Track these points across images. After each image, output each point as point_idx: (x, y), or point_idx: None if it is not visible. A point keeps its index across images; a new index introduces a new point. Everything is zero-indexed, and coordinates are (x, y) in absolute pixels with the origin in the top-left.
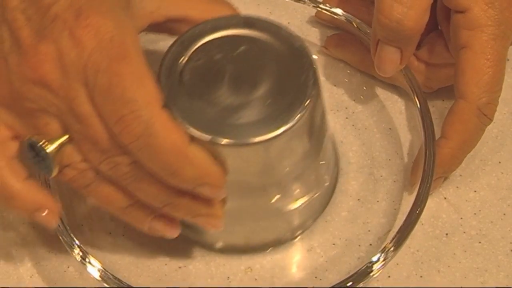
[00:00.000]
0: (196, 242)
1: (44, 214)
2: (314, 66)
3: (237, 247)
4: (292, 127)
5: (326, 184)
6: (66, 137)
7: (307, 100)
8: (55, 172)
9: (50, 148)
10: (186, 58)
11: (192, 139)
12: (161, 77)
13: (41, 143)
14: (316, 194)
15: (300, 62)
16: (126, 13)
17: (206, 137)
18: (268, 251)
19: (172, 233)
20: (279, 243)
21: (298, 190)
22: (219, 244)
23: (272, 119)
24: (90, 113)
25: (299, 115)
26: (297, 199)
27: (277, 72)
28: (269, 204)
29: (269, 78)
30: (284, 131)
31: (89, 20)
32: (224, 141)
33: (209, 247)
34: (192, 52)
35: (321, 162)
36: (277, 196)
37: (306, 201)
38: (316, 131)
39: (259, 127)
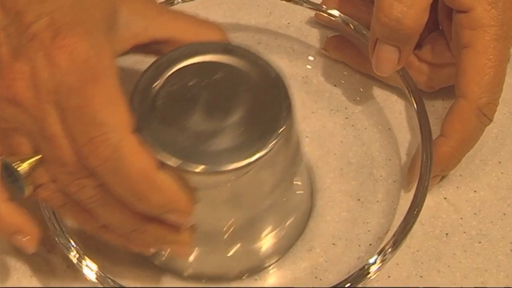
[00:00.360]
0: (166, 270)
1: (22, 238)
2: (290, 97)
3: (206, 276)
4: (265, 155)
5: (300, 213)
6: (38, 157)
7: (280, 129)
8: (28, 192)
9: (22, 168)
10: (161, 83)
11: (162, 165)
12: (134, 101)
13: (14, 163)
14: (289, 223)
15: (276, 92)
16: (109, 34)
17: (177, 162)
18: (243, 278)
19: (147, 251)
20: (252, 272)
21: (270, 221)
22: (188, 272)
23: (245, 147)
24: (59, 134)
25: (272, 143)
26: (269, 229)
27: (252, 101)
28: (240, 234)
29: (244, 106)
30: (257, 159)
31: (65, 40)
32: (195, 167)
33: (179, 275)
34: (167, 77)
35: (297, 192)
36: (249, 226)
37: (278, 231)
38: (289, 160)
39: (231, 155)
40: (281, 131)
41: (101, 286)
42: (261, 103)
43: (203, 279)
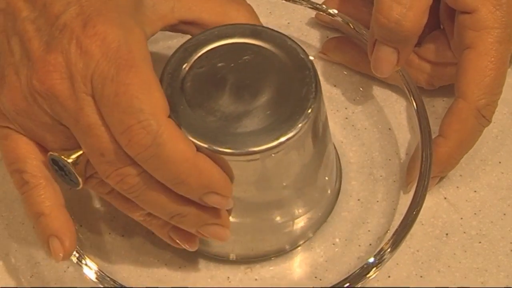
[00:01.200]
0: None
1: (58, 243)
2: (318, 78)
3: (237, 257)
4: (293, 136)
5: (328, 194)
6: (82, 151)
7: (308, 110)
8: (81, 184)
9: (71, 160)
10: (189, 65)
11: (199, 149)
12: (163, 84)
13: (63, 157)
14: (318, 206)
15: (304, 73)
16: (137, 18)
17: (206, 144)
18: (271, 259)
19: (191, 246)
20: (280, 253)
21: (299, 204)
22: (221, 252)
23: (273, 128)
24: (96, 124)
25: (300, 124)
26: (298, 213)
27: (280, 82)
28: (269, 218)
29: (272, 87)
30: (285, 140)
31: (96, 28)
32: (225, 148)
33: (212, 257)
34: (195, 59)
35: (324, 176)
36: (278, 210)
37: (308, 215)
38: (318, 142)
39: (260, 136)
40: (310, 112)
41: (101, 286)
42: (289, 84)
43: (232, 258)
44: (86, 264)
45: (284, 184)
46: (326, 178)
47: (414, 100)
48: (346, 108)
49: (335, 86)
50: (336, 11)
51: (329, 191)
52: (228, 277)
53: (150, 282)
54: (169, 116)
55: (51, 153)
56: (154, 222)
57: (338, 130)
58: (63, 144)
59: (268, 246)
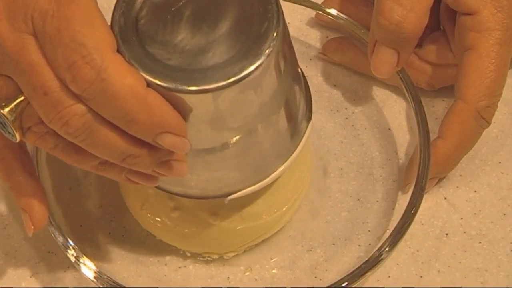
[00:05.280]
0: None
1: (27, 218)
2: (281, 13)
3: (199, 195)
4: (247, 76)
5: (292, 132)
6: (22, 98)
7: (266, 49)
8: (18, 136)
9: (6, 110)
10: (142, 1)
11: (149, 85)
12: (117, 12)
13: None
14: (280, 144)
15: (266, 7)
16: None
17: (163, 81)
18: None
19: (150, 183)
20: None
21: (258, 143)
22: (181, 191)
23: (227, 66)
24: (39, 62)
25: (257, 64)
26: (259, 151)
27: (239, 16)
28: (226, 156)
29: (230, 21)
30: (238, 80)
31: None
32: (174, 86)
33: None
34: None
35: (287, 114)
36: (235, 149)
37: (269, 152)
38: (280, 80)
39: (212, 74)
40: (268, 51)
41: (101, 286)
42: (250, 18)
43: (191, 194)
44: (85, 264)
45: (241, 124)
46: (289, 116)
47: (413, 101)
48: (346, 108)
49: (335, 86)
50: (336, 11)
51: (292, 130)
52: (228, 277)
53: (150, 282)
54: (119, 50)
55: None
56: (109, 170)
57: (338, 130)
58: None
59: (226, 186)
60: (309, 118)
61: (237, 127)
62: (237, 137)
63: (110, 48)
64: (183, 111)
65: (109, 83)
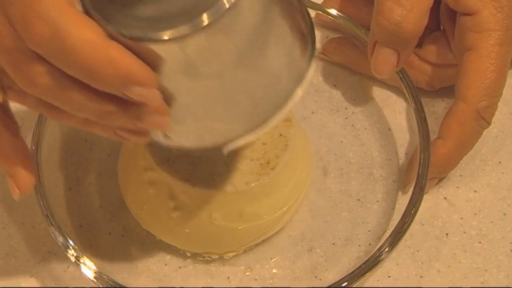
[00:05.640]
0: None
1: (13, 183)
2: None
3: (189, 148)
4: (215, 22)
5: (288, 71)
6: None
7: None
8: (1, 98)
9: None
10: None
11: (112, 38)
12: None
13: None
14: (273, 88)
15: None
16: None
17: (118, 33)
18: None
19: (142, 137)
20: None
21: (250, 76)
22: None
23: (192, 11)
24: (0, 22)
25: (226, 6)
26: (247, 95)
27: None
28: (216, 97)
29: None
30: (206, 26)
31: None
32: (137, 35)
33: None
34: None
35: (278, 55)
36: (225, 85)
37: (266, 85)
38: (260, 20)
39: (177, 20)
40: None
41: (101, 286)
42: None
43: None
44: (85, 264)
45: (217, 70)
46: (281, 56)
47: (413, 101)
48: (346, 108)
49: (335, 86)
50: (336, 11)
51: (288, 69)
52: (228, 277)
53: (150, 282)
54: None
55: None
56: (95, 126)
57: (338, 130)
58: None
59: (220, 135)
60: (312, 44)
61: (214, 73)
62: (217, 83)
63: (65, 1)
64: (153, 62)
65: (67, 38)
